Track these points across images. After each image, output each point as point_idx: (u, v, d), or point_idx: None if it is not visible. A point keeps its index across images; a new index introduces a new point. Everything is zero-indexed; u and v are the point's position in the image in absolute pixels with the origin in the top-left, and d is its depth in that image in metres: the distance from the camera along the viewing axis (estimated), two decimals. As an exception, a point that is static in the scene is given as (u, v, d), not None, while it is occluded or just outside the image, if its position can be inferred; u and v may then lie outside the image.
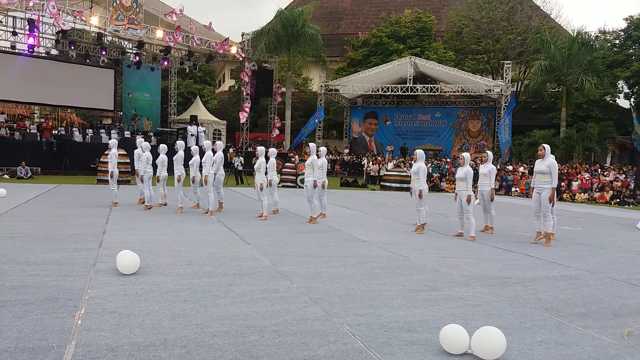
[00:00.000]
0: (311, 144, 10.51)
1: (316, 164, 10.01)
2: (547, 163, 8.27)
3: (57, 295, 4.33)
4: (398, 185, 21.37)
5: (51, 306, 4.05)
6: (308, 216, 10.15)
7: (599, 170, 23.37)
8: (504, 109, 28.36)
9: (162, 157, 11.08)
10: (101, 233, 7.63)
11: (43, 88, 25.08)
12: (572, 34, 27.95)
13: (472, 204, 8.69)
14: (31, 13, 21.47)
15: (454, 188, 9.40)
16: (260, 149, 10.66)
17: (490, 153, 9.72)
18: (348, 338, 3.64)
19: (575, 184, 22.03)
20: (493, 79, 31.21)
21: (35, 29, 22.11)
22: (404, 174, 21.54)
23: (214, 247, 6.90)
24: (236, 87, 35.44)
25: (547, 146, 8.50)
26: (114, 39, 28.40)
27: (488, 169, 9.31)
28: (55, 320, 3.73)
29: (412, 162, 9.63)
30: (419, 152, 9.26)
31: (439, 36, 35.98)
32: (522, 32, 32.34)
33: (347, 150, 32.49)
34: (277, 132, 30.54)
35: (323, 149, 10.39)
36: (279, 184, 20.56)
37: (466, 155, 9.06)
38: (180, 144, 11.12)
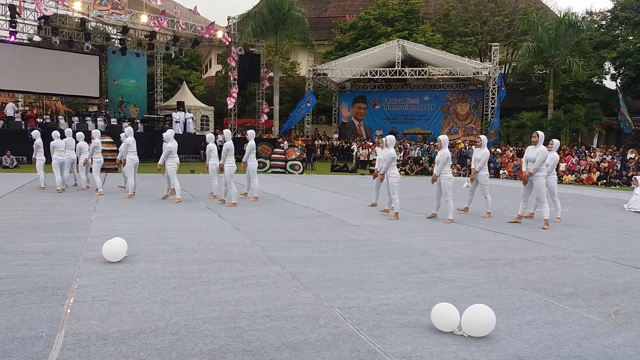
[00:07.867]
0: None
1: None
2: (538, 150, 8.30)
3: (45, 285, 4.30)
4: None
5: (39, 296, 4.01)
6: (296, 202, 10.13)
7: (586, 151, 23.57)
8: (492, 91, 28.35)
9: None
10: (89, 221, 7.57)
11: (26, 76, 24.63)
12: (559, 15, 27.92)
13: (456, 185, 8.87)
14: (12, -1, 21.06)
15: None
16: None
17: (484, 137, 9.77)
18: (339, 322, 3.65)
19: (562, 166, 22.21)
20: (481, 61, 31.17)
21: (16, 15, 21.66)
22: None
23: (203, 233, 6.87)
24: (223, 73, 35.09)
25: (541, 133, 8.49)
26: (97, 24, 27.94)
27: (482, 153, 9.44)
28: (44, 309, 3.70)
29: (382, 147, 9.35)
30: (390, 138, 9.02)
31: (427, 19, 35.78)
32: (510, 13, 32.29)
33: (336, 135, 32.40)
34: (265, 117, 30.33)
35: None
36: (267, 169, 20.66)
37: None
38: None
